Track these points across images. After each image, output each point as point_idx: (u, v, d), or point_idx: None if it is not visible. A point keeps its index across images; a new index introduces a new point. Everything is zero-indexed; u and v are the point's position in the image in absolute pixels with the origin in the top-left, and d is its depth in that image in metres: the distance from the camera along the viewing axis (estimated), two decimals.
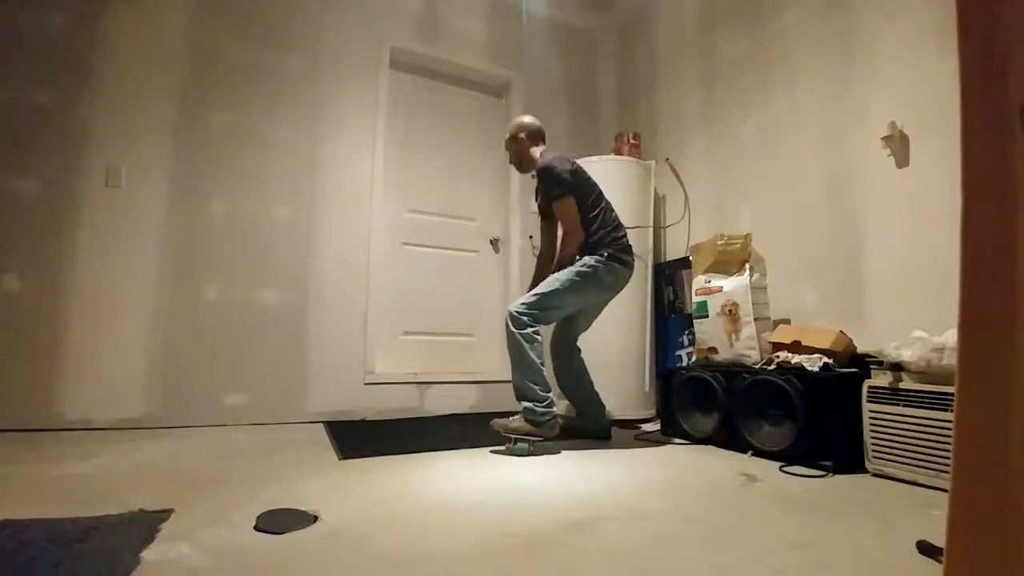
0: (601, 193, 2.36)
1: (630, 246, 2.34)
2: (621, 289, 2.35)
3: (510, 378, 2.18)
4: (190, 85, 2.69)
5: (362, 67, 3.11)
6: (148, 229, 2.57)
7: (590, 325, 2.49)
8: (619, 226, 2.34)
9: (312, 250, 2.90)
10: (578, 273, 2.20)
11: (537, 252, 3.68)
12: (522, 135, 2.41)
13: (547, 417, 2.08)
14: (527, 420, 2.07)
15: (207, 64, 2.74)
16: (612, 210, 2.37)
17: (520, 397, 2.12)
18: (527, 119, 2.45)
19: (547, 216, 2.48)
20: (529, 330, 2.13)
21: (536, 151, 2.39)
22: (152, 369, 2.51)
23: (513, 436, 2.06)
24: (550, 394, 2.13)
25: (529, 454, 2.02)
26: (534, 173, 2.38)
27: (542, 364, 2.14)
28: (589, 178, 2.36)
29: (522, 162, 2.44)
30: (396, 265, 3.21)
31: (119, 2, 2.59)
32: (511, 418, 2.10)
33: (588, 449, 2.21)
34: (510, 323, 2.13)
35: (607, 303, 2.41)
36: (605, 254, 2.22)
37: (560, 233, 2.29)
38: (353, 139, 3.06)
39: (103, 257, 2.47)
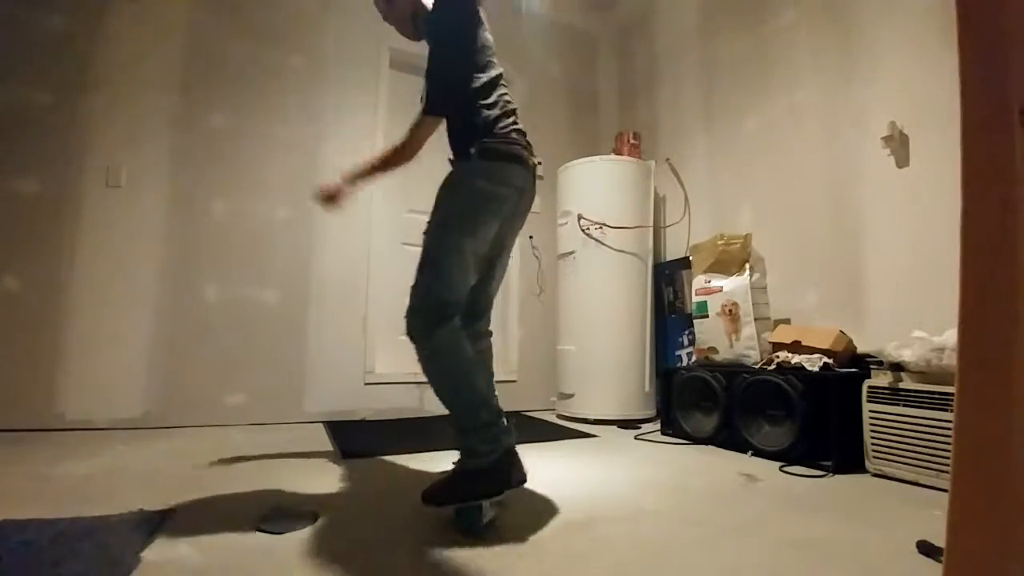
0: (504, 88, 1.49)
1: (517, 131, 1.44)
2: (521, 203, 1.45)
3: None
4: (190, 85, 2.69)
5: (362, 67, 3.11)
6: (148, 229, 2.57)
7: (501, 278, 1.57)
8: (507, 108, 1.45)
9: (312, 250, 2.90)
10: (457, 196, 1.41)
11: (538, 252, 3.72)
12: None
13: (494, 456, 1.25)
14: (465, 473, 1.26)
15: (207, 64, 2.73)
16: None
17: (457, 430, 1.29)
18: None
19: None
20: (437, 332, 1.28)
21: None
22: (152, 369, 2.51)
23: (454, 507, 1.26)
24: (490, 411, 1.29)
25: (489, 521, 1.24)
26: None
27: (469, 369, 1.30)
28: (490, 46, 1.48)
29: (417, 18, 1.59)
30: (396, 265, 3.20)
31: (120, 2, 2.59)
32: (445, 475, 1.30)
33: (584, 449, 2.21)
34: (408, 335, 1.31)
35: (515, 232, 1.52)
36: (477, 146, 1.38)
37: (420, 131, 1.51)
38: (353, 139, 3.06)
39: (103, 257, 2.47)
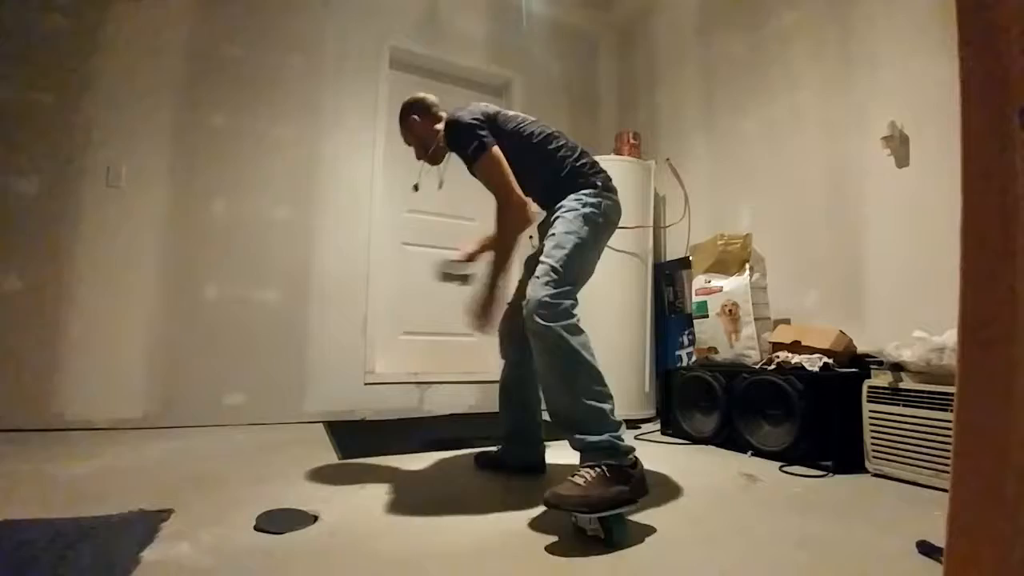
0: (548, 130, 1.65)
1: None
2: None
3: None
4: (190, 85, 2.69)
5: (362, 67, 3.11)
6: (148, 229, 2.57)
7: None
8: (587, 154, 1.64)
9: (312, 250, 2.90)
10: (588, 218, 1.48)
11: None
12: (414, 116, 1.78)
13: (631, 457, 1.28)
14: (608, 471, 1.20)
15: (207, 64, 2.73)
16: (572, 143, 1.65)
17: (580, 429, 1.27)
18: (411, 98, 1.82)
19: None
20: (572, 319, 1.36)
21: (439, 127, 1.71)
22: (152, 369, 2.51)
23: (595, 516, 1.15)
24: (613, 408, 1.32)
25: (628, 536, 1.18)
26: (446, 151, 1.75)
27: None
28: (519, 117, 1.67)
29: (429, 147, 1.77)
30: (396, 265, 3.21)
31: (120, 2, 2.59)
32: (569, 479, 1.20)
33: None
34: (539, 318, 1.32)
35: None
36: (599, 183, 1.54)
37: (497, 209, 1.55)
38: (353, 139, 3.06)
39: (103, 257, 2.47)
